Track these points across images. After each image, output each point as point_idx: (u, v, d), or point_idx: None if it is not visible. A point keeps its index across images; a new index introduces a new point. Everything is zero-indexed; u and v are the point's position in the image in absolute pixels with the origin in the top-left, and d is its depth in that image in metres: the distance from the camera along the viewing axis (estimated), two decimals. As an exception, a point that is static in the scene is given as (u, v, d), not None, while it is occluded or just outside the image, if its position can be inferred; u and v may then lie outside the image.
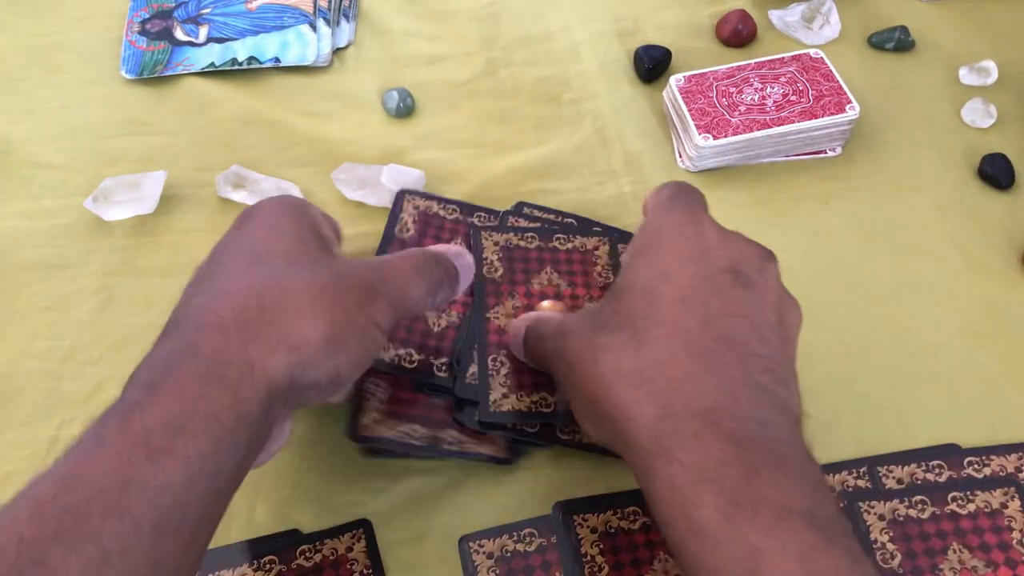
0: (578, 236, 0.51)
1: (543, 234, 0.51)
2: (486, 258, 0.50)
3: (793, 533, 0.30)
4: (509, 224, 0.53)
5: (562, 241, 0.51)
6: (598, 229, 0.53)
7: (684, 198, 0.42)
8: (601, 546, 0.43)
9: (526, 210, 0.54)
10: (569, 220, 0.54)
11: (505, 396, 0.44)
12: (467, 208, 0.54)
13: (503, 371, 0.45)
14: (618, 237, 0.52)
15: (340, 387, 0.37)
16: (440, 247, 0.43)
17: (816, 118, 0.56)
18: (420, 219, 0.53)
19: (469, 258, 0.44)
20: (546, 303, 0.47)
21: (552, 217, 0.54)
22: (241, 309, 0.33)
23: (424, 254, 0.41)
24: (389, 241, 0.52)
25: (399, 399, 0.46)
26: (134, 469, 0.29)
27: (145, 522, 0.29)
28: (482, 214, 0.54)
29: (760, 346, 0.35)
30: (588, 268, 0.50)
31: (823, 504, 0.31)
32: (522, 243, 0.51)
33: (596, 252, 0.51)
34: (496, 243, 0.50)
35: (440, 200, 0.54)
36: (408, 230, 0.52)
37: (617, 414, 0.34)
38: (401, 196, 0.54)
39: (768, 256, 0.39)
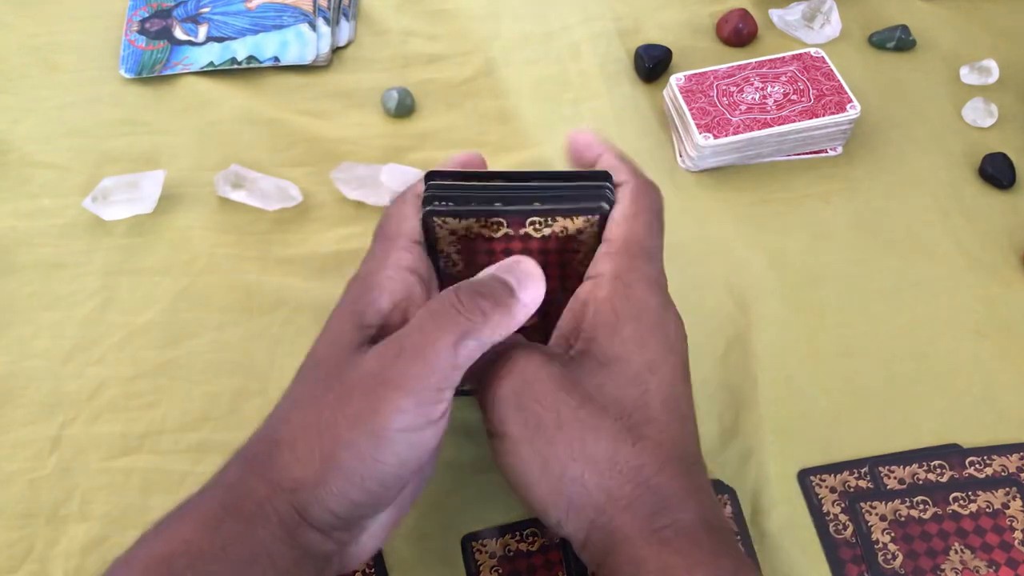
0: (558, 218, 0.37)
1: (512, 215, 0.37)
2: (443, 251, 0.39)
3: None
4: (469, 204, 0.37)
5: (537, 226, 0.38)
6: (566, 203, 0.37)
7: (655, 255, 0.38)
8: (603, 546, 0.43)
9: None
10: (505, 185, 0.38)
11: None
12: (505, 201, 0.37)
13: None
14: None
15: (378, 507, 0.35)
16: (492, 267, 0.36)
17: (817, 117, 0.56)
18: (464, 248, 0.39)
19: (528, 264, 0.35)
20: None
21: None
22: (259, 441, 0.34)
23: (451, 293, 0.34)
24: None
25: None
26: None
27: None
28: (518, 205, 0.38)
29: (698, 448, 0.37)
30: (568, 258, 0.39)
31: None
32: (485, 231, 0.38)
33: (580, 237, 0.38)
34: (453, 232, 0.38)
35: (475, 213, 0.37)
36: (455, 264, 0.40)
37: (611, 504, 0.34)
38: (430, 223, 0.38)
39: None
